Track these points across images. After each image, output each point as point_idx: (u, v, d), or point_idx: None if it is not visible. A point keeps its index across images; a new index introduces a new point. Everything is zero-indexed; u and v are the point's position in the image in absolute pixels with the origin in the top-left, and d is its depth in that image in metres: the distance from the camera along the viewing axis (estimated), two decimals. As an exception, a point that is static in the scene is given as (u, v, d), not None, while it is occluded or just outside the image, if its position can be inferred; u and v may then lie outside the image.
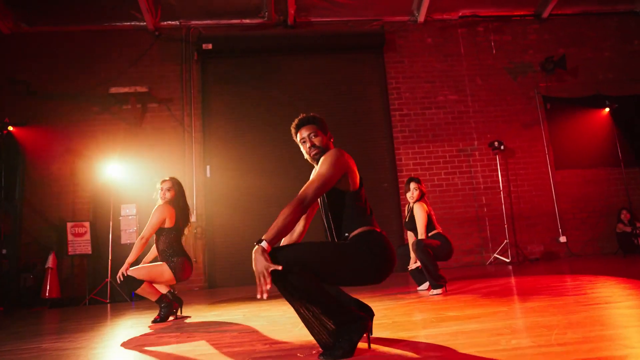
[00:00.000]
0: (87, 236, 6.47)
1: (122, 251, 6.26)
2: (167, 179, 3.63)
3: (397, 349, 1.80)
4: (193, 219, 6.75)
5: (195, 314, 3.67)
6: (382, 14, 7.59)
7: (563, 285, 3.53)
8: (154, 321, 3.29)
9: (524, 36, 7.86)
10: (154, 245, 3.57)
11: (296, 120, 2.07)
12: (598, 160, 7.38)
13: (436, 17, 7.69)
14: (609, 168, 7.32)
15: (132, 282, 3.24)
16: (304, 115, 2.08)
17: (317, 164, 2.01)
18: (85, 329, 3.31)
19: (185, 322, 3.23)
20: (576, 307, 2.42)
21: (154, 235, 3.47)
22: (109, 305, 5.67)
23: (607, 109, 7.12)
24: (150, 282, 3.32)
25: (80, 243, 6.44)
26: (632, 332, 1.79)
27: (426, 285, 4.00)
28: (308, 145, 2.03)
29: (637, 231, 6.79)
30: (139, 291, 3.28)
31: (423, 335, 2.03)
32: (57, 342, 2.74)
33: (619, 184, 7.25)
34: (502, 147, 6.94)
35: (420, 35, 7.70)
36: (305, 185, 1.81)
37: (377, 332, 2.14)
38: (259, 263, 1.59)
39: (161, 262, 3.40)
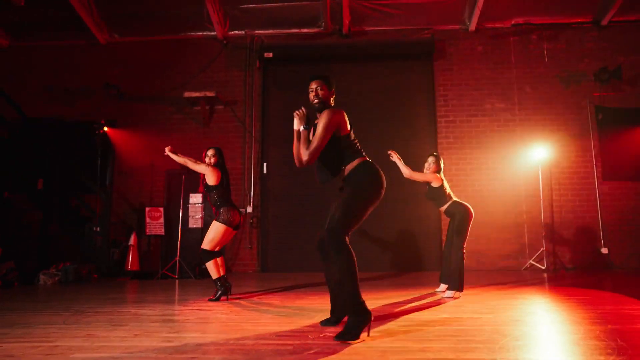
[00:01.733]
0: (161, 220, 7.54)
1: (189, 234, 7.30)
2: (212, 148, 4.48)
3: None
4: (250, 209, 7.63)
5: (243, 295, 4.47)
6: (434, 22, 7.88)
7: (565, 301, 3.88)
8: (210, 299, 4.10)
9: (580, 44, 7.80)
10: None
11: (310, 75, 2.77)
12: (650, 173, 7.27)
13: (488, 25, 7.85)
14: (660, 182, 7.20)
15: (207, 255, 4.11)
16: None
17: (317, 111, 2.71)
18: (161, 300, 4.22)
19: (234, 302, 4.02)
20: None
21: (208, 193, 4.34)
22: (177, 281, 6.70)
23: (660, 123, 6.98)
24: (219, 253, 4.15)
25: (155, 225, 7.53)
26: None
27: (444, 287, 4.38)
28: (313, 94, 2.70)
29: (685, 248, 6.68)
30: (208, 264, 4.12)
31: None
32: (143, 308, 3.63)
33: (668, 199, 7.12)
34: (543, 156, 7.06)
35: (471, 43, 7.91)
36: (309, 145, 2.59)
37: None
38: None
39: (212, 224, 4.19)
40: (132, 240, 7.22)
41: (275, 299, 4.17)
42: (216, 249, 4.17)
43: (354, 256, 2.43)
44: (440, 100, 7.78)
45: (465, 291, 4.27)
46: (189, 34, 8.11)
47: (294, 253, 7.47)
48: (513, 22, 7.84)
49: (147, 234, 7.42)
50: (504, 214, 7.36)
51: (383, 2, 7.53)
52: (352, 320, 2.35)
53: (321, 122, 2.58)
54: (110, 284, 5.98)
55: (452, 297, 4.02)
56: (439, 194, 4.40)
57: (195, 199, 7.70)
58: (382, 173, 2.65)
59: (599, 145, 7.46)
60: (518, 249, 7.30)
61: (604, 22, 7.66)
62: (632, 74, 7.55)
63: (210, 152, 4.44)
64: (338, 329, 2.53)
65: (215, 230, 4.16)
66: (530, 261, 7.10)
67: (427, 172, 4.48)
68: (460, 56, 7.88)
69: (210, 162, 4.38)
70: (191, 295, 4.60)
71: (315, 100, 2.71)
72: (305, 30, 8.05)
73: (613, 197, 7.34)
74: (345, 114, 2.68)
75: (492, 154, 7.54)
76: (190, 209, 7.65)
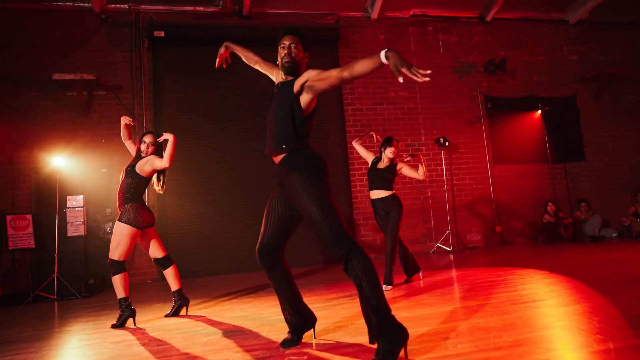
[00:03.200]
0: (30, 229, 6.17)
1: (69, 244, 6.09)
2: (150, 133, 3.67)
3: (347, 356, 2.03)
4: (145, 211, 6.64)
5: (157, 314, 3.73)
6: (337, 8, 7.70)
7: (497, 281, 3.96)
8: (114, 325, 3.30)
9: (469, 37, 8.32)
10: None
11: (286, 26, 2.28)
12: (530, 156, 8.08)
13: (389, 14, 7.92)
14: (539, 164, 8.05)
15: (116, 266, 3.33)
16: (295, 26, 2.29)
17: (284, 72, 2.22)
18: (32, 336, 3.28)
19: (150, 323, 3.29)
20: (509, 307, 2.78)
21: (123, 175, 3.55)
22: (56, 302, 5.52)
23: (540, 111, 7.78)
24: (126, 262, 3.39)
25: (21, 237, 6.13)
26: (554, 333, 2.14)
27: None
28: (285, 51, 2.20)
29: (560, 222, 7.57)
30: (114, 279, 3.33)
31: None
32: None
33: (546, 179, 8.01)
34: (447, 144, 7.40)
35: (373, 31, 7.91)
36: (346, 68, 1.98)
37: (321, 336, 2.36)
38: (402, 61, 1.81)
39: (115, 227, 3.42)
40: (-10, 257, 5.75)
41: (198, 314, 3.53)
42: (126, 258, 3.38)
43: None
44: (346, 87, 7.66)
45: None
46: (56, 3, 6.70)
47: (198, 257, 6.72)
48: (412, 13, 8.03)
49: (11, 248, 6.00)
50: (411, 200, 7.54)
51: (286, -17, 7.11)
52: (386, 340, 1.86)
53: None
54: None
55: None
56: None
57: (75, 201, 6.45)
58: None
59: (489, 131, 8.06)
60: (425, 233, 7.56)
61: (488, 18, 8.27)
62: (511, 67, 8.28)
63: (148, 139, 3.61)
64: (301, 349, 2.10)
65: (118, 232, 3.37)
66: (437, 244, 7.40)
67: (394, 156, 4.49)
68: (363, 44, 7.83)
69: (147, 153, 3.58)
70: (78, 323, 3.69)
71: (286, 59, 2.20)
72: (201, 8, 7.23)
73: (502, 179, 8.01)
74: None
75: (399, 141, 7.65)
76: (68, 214, 6.39)
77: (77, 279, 5.89)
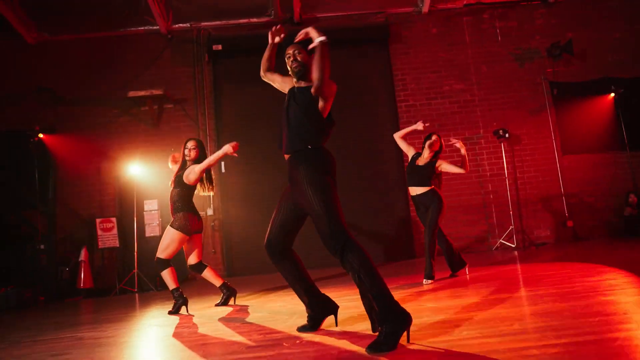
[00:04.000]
0: (115, 231, 6.98)
1: (146, 244, 6.77)
2: (193, 139, 3.95)
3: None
4: (210, 212, 7.19)
5: (210, 304, 4.09)
6: (386, 5, 7.70)
7: (545, 275, 3.77)
8: (170, 312, 3.68)
9: (530, 21, 7.85)
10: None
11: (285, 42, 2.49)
12: (605, 144, 7.42)
13: (440, 6, 7.75)
14: (616, 152, 7.35)
15: (161, 264, 3.68)
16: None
17: (296, 77, 2.41)
18: (115, 319, 3.77)
19: (200, 311, 3.64)
20: (539, 300, 2.68)
21: (172, 184, 3.87)
22: (137, 294, 6.18)
23: (612, 94, 7.13)
24: (171, 266, 3.72)
25: (108, 237, 6.96)
26: (567, 323, 2.06)
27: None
28: (291, 59, 2.41)
29: (644, 214, 6.87)
30: (163, 274, 3.68)
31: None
32: (92, 331, 3.19)
33: (625, 168, 7.29)
34: (506, 135, 7.06)
35: (425, 25, 7.79)
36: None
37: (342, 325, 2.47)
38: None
39: (167, 231, 3.75)
40: (83, 255, 6.61)
41: (244, 304, 3.82)
42: (171, 257, 3.75)
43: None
44: (398, 84, 7.62)
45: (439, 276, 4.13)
46: (128, 29, 7.51)
47: (259, 254, 7.07)
48: (465, 2, 7.78)
49: (100, 247, 6.84)
50: (470, 195, 7.31)
51: (334, -13, 7.28)
52: (389, 326, 1.92)
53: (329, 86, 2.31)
54: (59, 307, 5.40)
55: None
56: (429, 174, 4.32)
57: (151, 205, 7.18)
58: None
59: (556, 119, 7.55)
60: (487, 229, 7.27)
61: (551, -2, 7.75)
62: (580, 49, 7.67)
63: (190, 144, 3.89)
64: (316, 334, 2.24)
65: (168, 236, 3.74)
66: (501, 240, 7.08)
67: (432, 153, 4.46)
68: (415, 39, 7.75)
69: (190, 157, 3.88)
70: (151, 310, 4.17)
71: (295, 65, 2.40)
72: (254, 19, 7.66)
73: (573, 170, 7.44)
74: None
75: (455, 135, 7.42)
76: (146, 217, 7.13)
77: (153, 275, 6.52)
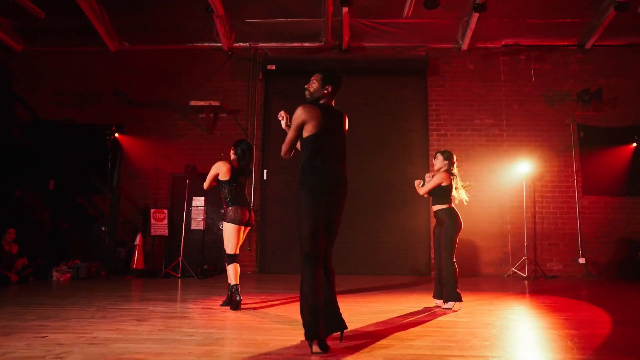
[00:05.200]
0: (165, 221, 7.90)
1: (191, 235, 7.69)
2: (237, 140, 4.41)
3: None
4: (250, 213, 8.04)
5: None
6: (428, 41, 8.33)
7: (519, 304, 4.33)
8: (222, 304, 4.15)
9: (565, 65, 8.29)
10: None
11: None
12: (624, 189, 7.77)
13: (479, 45, 8.31)
14: (634, 197, 7.69)
15: (230, 258, 4.05)
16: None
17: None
18: (173, 298, 4.62)
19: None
20: (467, 323, 3.30)
21: (220, 186, 4.25)
22: (179, 280, 7.08)
23: (635, 144, 7.49)
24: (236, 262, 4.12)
25: (159, 226, 7.90)
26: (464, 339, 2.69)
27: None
28: (307, 86, 2.87)
29: (655, 260, 7.19)
30: (228, 268, 4.01)
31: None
32: (158, 306, 4.04)
33: (641, 214, 7.63)
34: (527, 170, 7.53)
35: (463, 61, 8.37)
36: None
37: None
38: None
39: (223, 227, 4.13)
40: (138, 240, 7.60)
41: (276, 302, 4.59)
42: (237, 251, 4.09)
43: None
44: (432, 114, 8.23)
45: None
46: (196, 44, 8.49)
47: (290, 256, 7.88)
48: (503, 43, 8.31)
49: (152, 234, 7.78)
50: (489, 224, 7.82)
51: (381, 21, 7.97)
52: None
53: (292, 122, 2.81)
54: (118, 282, 6.36)
55: (451, 310, 3.99)
56: (441, 191, 4.25)
57: (198, 202, 8.08)
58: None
59: (580, 161, 7.95)
60: (501, 257, 7.77)
61: (588, 45, 8.15)
62: (612, 96, 8.05)
63: (235, 148, 4.33)
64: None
65: (225, 231, 4.11)
66: (513, 269, 7.57)
67: (435, 169, 4.40)
68: (452, 73, 8.34)
69: (230, 156, 4.32)
70: (198, 295, 5.00)
71: (306, 92, 2.89)
72: (306, 44, 8.47)
73: (592, 211, 7.83)
74: (314, 113, 2.71)
75: (480, 167, 8.00)
76: (193, 212, 8.04)
77: (195, 264, 7.40)
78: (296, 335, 2.81)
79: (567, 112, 8.12)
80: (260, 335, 2.84)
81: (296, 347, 2.54)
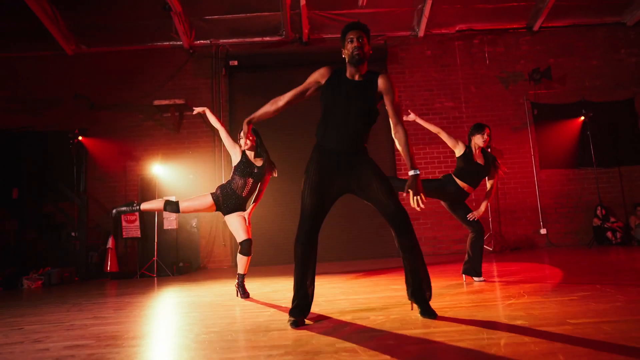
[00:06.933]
0: (137, 223, 7.87)
1: (165, 235, 7.67)
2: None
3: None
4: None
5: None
6: (386, 29, 8.57)
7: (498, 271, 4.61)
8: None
9: (516, 47, 8.69)
10: None
11: (350, 23, 2.44)
12: (579, 161, 8.24)
13: (435, 31, 8.61)
14: (589, 168, 8.16)
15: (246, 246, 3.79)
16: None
17: (354, 64, 2.41)
18: (139, 292, 4.65)
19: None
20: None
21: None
22: (155, 278, 7.07)
23: (582, 117, 7.96)
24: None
25: (131, 228, 7.86)
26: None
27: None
28: (355, 44, 2.35)
29: (608, 225, 7.68)
30: (239, 257, 3.78)
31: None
32: (134, 298, 4.08)
33: (593, 183, 8.11)
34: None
35: (421, 48, 8.65)
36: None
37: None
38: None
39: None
40: (110, 243, 7.52)
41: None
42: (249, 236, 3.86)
43: None
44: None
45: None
46: (156, 44, 8.44)
47: (265, 249, 7.98)
48: (457, 29, 8.64)
49: (124, 236, 7.74)
50: (455, 203, 8.12)
51: (339, 12, 8.14)
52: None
53: (394, 92, 2.45)
54: (93, 284, 6.31)
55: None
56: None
57: (169, 201, 8.05)
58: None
59: (535, 137, 8.38)
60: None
61: (536, 27, 8.58)
62: (561, 74, 8.51)
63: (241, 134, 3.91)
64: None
65: (230, 223, 3.91)
66: (479, 243, 7.91)
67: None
68: (411, 60, 8.61)
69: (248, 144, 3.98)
70: (174, 288, 5.04)
71: (356, 52, 2.40)
72: (267, 38, 8.55)
73: (549, 183, 8.27)
74: None
75: (444, 149, 8.30)
76: (164, 212, 8.01)
77: (170, 262, 7.41)
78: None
79: (521, 91, 8.53)
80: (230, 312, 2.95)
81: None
